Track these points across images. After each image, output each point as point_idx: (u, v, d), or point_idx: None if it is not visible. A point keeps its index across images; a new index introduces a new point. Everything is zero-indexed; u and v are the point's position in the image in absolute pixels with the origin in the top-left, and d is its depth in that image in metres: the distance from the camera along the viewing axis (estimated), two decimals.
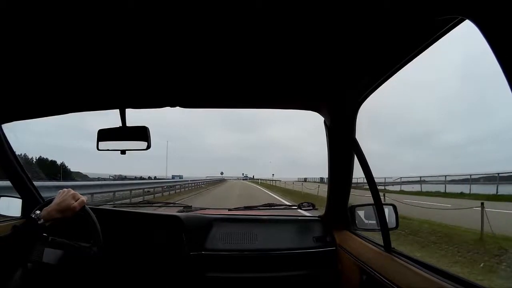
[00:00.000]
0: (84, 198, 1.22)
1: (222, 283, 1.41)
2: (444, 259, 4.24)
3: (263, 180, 56.39)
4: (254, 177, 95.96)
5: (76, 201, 1.18)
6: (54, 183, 7.27)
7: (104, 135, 1.33)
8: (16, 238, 1.06)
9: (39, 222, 1.07)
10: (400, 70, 0.90)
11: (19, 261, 1.09)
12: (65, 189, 1.20)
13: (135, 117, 1.34)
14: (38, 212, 1.11)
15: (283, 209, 1.89)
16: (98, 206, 1.79)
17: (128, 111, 1.33)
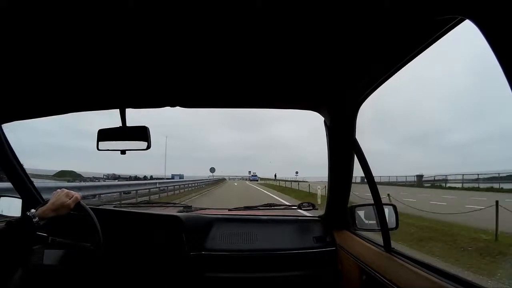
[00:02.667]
0: (78, 195, 1.23)
1: (222, 283, 1.41)
2: None
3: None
4: (276, 177, 56.24)
5: (70, 198, 1.20)
6: (55, 184, 7.23)
7: (104, 135, 1.33)
8: (10, 234, 1.07)
9: (33, 220, 1.09)
10: (400, 70, 0.90)
11: (15, 258, 1.10)
12: (59, 190, 1.23)
13: (135, 116, 1.34)
14: (33, 210, 1.13)
15: (283, 209, 1.89)
16: (98, 206, 1.79)
17: (128, 111, 1.33)
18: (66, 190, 1.23)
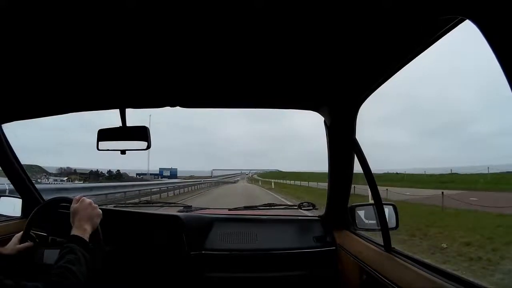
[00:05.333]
0: (78, 197, 1.21)
1: (222, 283, 1.41)
2: None
3: None
4: None
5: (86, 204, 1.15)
6: (56, 185, 7.17)
7: (104, 135, 1.33)
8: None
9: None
10: (400, 70, 0.90)
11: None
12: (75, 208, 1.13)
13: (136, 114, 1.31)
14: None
15: (283, 209, 1.89)
16: (98, 206, 1.79)
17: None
18: (88, 201, 1.16)
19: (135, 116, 1.36)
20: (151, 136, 1.31)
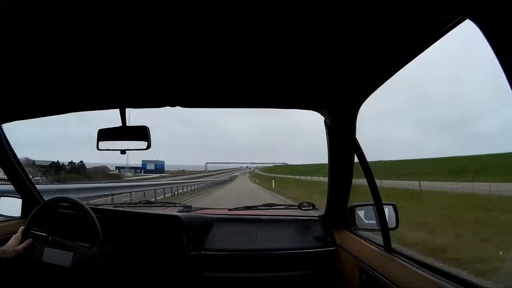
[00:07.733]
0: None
1: (222, 283, 1.41)
2: None
3: None
4: None
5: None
6: (57, 186, 7.10)
7: (104, 134, 1.33)
8: None
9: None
10: (399, 71, 0.90)
11: None
12: None
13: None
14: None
15: (283, 209, 1.89)
16: (98, 206, 1.79)
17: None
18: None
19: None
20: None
